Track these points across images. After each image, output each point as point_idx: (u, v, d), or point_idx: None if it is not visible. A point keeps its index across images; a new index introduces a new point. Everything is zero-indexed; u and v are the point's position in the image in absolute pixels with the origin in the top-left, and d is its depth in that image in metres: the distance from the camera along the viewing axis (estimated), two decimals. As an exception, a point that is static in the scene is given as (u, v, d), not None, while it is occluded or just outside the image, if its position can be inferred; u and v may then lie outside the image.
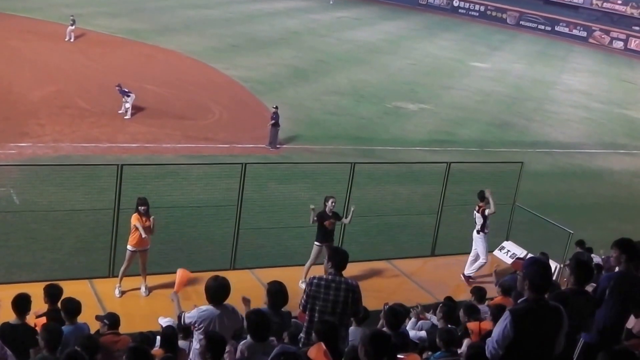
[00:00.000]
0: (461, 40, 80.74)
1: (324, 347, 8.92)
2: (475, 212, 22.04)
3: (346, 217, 20.87)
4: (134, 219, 18.59)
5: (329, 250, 13.05)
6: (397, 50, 68.13)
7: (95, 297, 18.29)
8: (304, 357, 8.97)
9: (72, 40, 51.85)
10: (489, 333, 12.25)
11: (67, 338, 11.20)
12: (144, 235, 18.45)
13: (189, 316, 10.98)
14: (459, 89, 55.24)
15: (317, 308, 11.57)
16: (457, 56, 70.04)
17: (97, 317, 13.40)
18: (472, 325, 13.20)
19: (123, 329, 13.17)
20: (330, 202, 20.20)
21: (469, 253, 22.35)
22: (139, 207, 18.61)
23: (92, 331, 12.46)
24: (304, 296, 11.75)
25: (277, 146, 34.18)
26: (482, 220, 21.88)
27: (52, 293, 13.20)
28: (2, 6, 59.88)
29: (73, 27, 52.13)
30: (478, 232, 22.02)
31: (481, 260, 22.08)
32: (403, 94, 50.53)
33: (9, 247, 20.73)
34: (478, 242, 22.08)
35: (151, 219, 18.76)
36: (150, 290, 19.18)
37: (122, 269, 18.97)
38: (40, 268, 19.70)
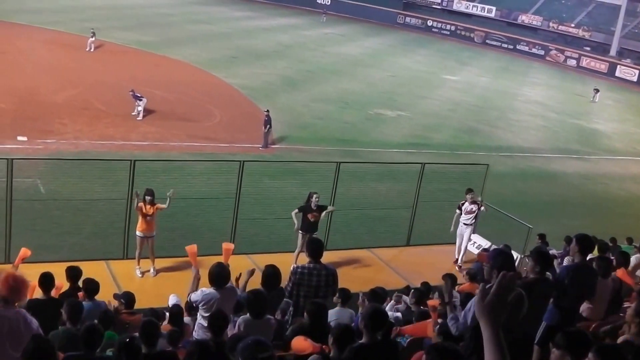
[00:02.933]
0: (434, 55, 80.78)
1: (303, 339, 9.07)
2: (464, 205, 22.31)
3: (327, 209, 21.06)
4: (140, 204, 18.86)
5: (305, 243, 13.18)
6: (377, 64, 68.06)
7: (111, 276, 18.42)
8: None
9: (92, 50, 51.75)
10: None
11: (87, 313, 11.24)
12: (137, 204, 18.78)
13: (195, 296, 11.05)
14: (432, 99, 55.27)
15: (302, 293, 11.74)
16: (431, 69, 70.03)
17: (115, 296, 13.48)
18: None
19: (136, 305, 13.27)
20: (314, 197, 20.39)
21: (441, 243, 22.50)
22: (145, 197, 18.79)
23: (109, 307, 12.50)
24: (289, 284, 11.87)
25: (268, 146, 34.20)
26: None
27: (73, 274, 13.29)
28: (32, 20, 59.99)
29: (93, 38, 52.06)
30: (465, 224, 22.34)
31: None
32: (383, 102, 50.50)
33: (36, 231, 20.73)
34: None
35: (155, 207, 18.96)
36: (158, 271, 19.33)
37: (137, 252, 19.21)
38: (63, 250, 19.76)
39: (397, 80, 61.18)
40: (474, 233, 23.02)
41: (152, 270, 19.26)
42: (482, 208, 22.38)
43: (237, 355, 5.84)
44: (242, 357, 5.76)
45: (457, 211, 22.45)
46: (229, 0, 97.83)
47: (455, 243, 22.85)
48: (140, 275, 19.10)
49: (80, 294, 12.58)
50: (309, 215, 20.32)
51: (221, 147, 33.00)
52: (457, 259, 22.54)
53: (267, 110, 35.15)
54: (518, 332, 8.63)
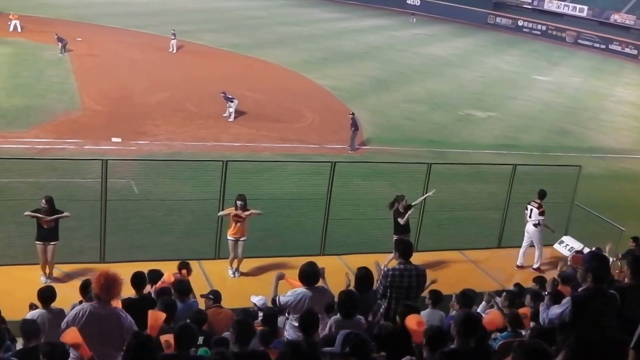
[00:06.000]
0: (524, 55, 79.56)
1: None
2: (532, 207, 21.81)
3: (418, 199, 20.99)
4: (228, 210, 18.97)
5: (395, 243, 13.00)
6: (467, 64, 67.42)
7: (204, 276, 18.48)
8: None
9: (174, 51, 52.57)
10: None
11: (179, 314, 11.34)
12: (242, 215, 18.79)
13: (285, 298, 11.01)
14: (522, 99, 54.43)
15: (393, 295, 11.60)
16: (521, 70, 69.00)
17: (202, 296, 13.56)
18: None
19: (224, 303, 13.34)
20: (404, 201, 20.24)
21: (532, 245, 22.06)
22: (236, 202, 18.83)
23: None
24: (381, 287, 11.76)
25: (356, 148, 34.07)
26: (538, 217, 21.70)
27: (152, 277, 13.34)
28: (124, 23, 61.27)
29: (175, 39, 52.97)
30: (535, 225, 21.80)
31: (538, 250, 21.94)
32: (472, 103, 49.99)
33: (129, 231, 21.11)
34: (536, 235, 21.89)
35: (254, 211, 19.05)
36: (246, 273, 19.38)
37: (230, 257, 19.25)
38: (155, 249, 19.99)
39: (487, 80, 60.46)
40: (566, 235, 22.63)
41: (230, 271, 19.32)
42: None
43: (343, 347, 5.79)
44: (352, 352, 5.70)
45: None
46: (318, 2, 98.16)
47: (551, 245, 22.52)
48: (232, 276, 19.21)
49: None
50: (400, 220, 20.20)
51: (312, 149, 33.06)
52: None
53: (352, 113, 35.14)
54: (611, 335, 8.44)
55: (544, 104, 54.09)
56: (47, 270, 17.73)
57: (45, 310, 11.56)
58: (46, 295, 11.74)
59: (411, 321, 9.26)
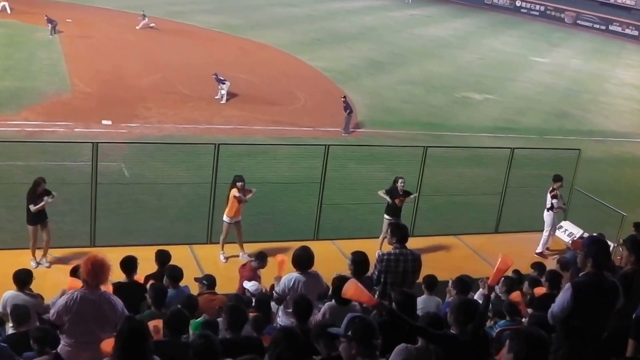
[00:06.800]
0: (523, 37, 79.39)
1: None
2: (548, 193, 21.93)
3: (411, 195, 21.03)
4: (235, 192, 18.86)
5: (390, 227, 12.88)
6: (465, 45, 67.35)
7: (195, 261, 18.61)
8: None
9: (138, 27, 52.78)
10: (544, 296, 12.14)
11: (170, 300, 11.36)
12: (245, 199, 19.00)
13: (279, 287, 11.02)
14: (521, 81, 54.39)
15: (388, 280, 11.56)
16: (520, 51, 68.92)
17: (196, 279, 13.56)
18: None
19: (220, 290, 13.35)
20: (400, 182, 20.42)
21: (531, 231, 22.15)
22: (237, 184, 18.83)
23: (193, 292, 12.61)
24: (376, 272, 11.70)
25: (351, 131, 34.05)
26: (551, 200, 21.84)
27: (161, 258, 13.49)
28: (116, 4, 61.04)
29: (145, 20, 53.39)
30: (547, 210, 21.91)
31: (544, 234, 21.99)
32: (470, 85, 49.93)
33: (121, 215, 21.18)
34: (547, 219, 22.01)
35: (253, 191, 19.25)
36: (236, 256, 19.39)
37: (222, 237, 19.34)
38: (147, 234, 19.99)
39: (485, 62, 60.41)
40: (565, 220, 22.71)
41: (242, 255, 19.28)
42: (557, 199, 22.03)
43: (346, 330, 5.81)
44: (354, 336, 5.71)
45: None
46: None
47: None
48: (224, 261, 19.22)
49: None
50: (396, 200, 20.29)
51: (305, 131, 33.02)
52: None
53: (344, 96, 35.21)
54: (615, 324, 8.44)
55: (544, 86, 54.08)
56: (43, 252, 17.75)
57: (21, 292, 11.68)
58: (22, 278, 11.87)
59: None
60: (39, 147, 24.05)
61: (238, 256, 19.26)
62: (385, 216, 20.44)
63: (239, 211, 19.19)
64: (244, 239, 19.57)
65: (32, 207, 17.35)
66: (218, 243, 19.42)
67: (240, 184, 18.91)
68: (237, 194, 18.84)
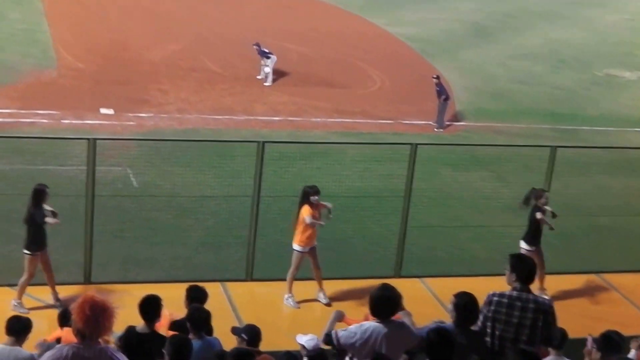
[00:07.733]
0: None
1: None
2: None
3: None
4: (306, 212, 18.65)
5: (511, 259, 12.60)
6: (607, 2, 66.76)
7: (229, 304, 18.50)
8: None
9: None
10: None
11: (195, 356, 11.40)
12: (322, 223, 18.94)
13: (347, 335, 10.97)
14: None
15: (497, 332, 11.38)
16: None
17: (234, 330, 13.59)
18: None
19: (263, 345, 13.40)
20: (544, 197, 19.93)
21: None
22: (310, 197, 18.72)
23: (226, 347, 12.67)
24: (481, 317, 11.56)
25: (445, 124, 34.11)
26: None
27: (196, 297, 13.46)
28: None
29: None
30: None
31: None
32: (617, 59, 49.58)
33: (124, 239, 21.26)
34: None
35: (329, 205, 19.17)
36: (300, 302, 19.10)
37: (291, 272, 19.00)
38: (160, 266, 20.13)
39: (637, 25, 59.86)
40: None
41: (321, 295, 19.12)
42: None
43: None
44: None
45: None
46: None
47: None
48: (293, 305, 18.95)
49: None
50: (539, 218, 19.76)
51: (382, 125, 33.12)
52: None
53: (437, 76, 35.21)
54: None
55: None
56: (51, 288, 17.68)
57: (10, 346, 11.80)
58: (17, 328, 11.93)
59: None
60: (11, 144, 24.33)
61: (316, 299, 19.09)
62: (522, 244, 19.92)
63: (314, 235, 19.00)
64: (322, 273, 19.30)
65: (50, 220, 17.29)
66: (260, 280, 19.43)
67: (314, 198, 18.67)
68: (310, 220, 18.60)
